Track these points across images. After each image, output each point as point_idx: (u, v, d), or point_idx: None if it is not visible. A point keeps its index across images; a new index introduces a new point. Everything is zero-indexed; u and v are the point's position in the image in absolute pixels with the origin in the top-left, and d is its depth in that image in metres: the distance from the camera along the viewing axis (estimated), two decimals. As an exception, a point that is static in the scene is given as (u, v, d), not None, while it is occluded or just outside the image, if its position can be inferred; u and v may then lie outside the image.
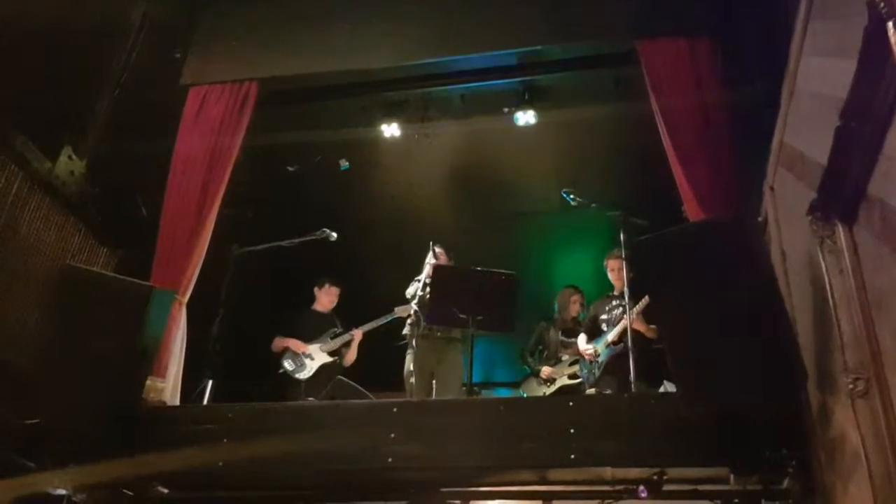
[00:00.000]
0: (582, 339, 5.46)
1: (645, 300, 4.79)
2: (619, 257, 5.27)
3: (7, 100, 4.26)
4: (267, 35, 5.70)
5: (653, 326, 4.89)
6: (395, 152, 6.46)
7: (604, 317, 5.41)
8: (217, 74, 5.57)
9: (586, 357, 5.33)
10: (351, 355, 5.82)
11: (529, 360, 5.82)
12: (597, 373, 5.21)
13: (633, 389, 4.37)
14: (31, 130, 4.47)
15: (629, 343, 4.56)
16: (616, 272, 5.41)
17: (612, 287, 5.49)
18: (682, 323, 3.18)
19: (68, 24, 4.67)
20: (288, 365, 5.64)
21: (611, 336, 5.19)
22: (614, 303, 5.39)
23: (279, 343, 5.76)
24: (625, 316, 4.93)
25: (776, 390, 3.08)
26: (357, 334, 5.77)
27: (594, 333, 5.40)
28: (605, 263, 5.51)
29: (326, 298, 6.05)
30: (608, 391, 5.02)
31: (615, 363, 5.10)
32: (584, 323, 5.63)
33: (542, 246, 7.33)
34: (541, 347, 5.86)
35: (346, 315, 6.06)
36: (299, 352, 5.67)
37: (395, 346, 5.59)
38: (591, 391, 5.16)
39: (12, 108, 4.31)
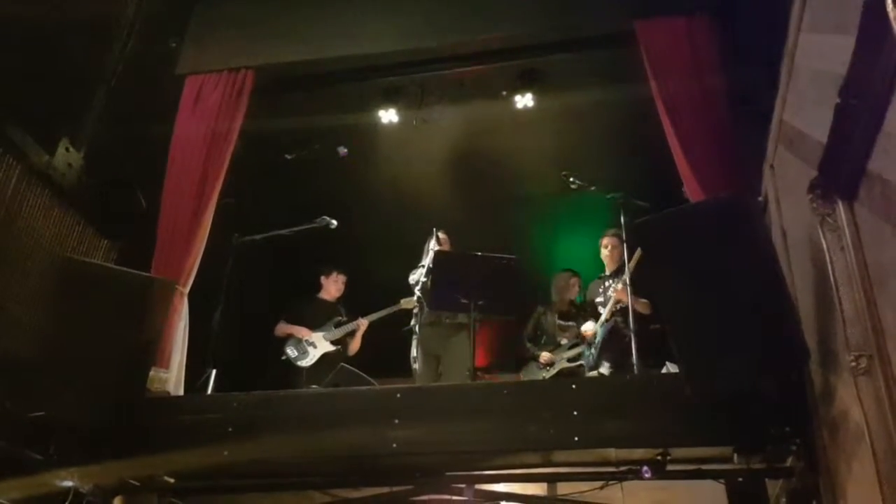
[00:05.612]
0: (589, 324, 5.48)
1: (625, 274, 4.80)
2: (616, 235, 5.27)
3: (3, 93, 4.24)
4: (263, 23, 5.68)
5: (643, 301, 4.89)
6: (393, 138, 6.44)
7: (599, 299, 5.43)
8: (213, 63, 5.56)
9: (587, 337, 5.34)
10: (355, 344, 5.82)
11: (528, 345, 5.82)
12: (595, 354, 5.23)
13: (634, 368, 4.39)
14: (27, 123, 4.45)
15: (630, 323, 4.57)
16: (609, 250, 5.42)
17: (604, 268, 5.50)
18: (683, 303, 3.17)
19: (64, 16, 4.64)
20: (290, 352, 5.64)
21: (604, 315, 5.21)
22: (607, 283, 5.40)
23: (283, 328, 5.75)
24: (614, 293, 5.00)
25: (778, 369, 3.09)
26: (362, 324, 5.77)
27: (595, 317, 5.41)
28: (600, 241, 5.52)
29: (333, 287, 6.04)
30: (603, 370, 5.03)
31: (609, 341, 5.12)
32: (586, 308, 5.63)
33: (543, 229, 7.32)
34: (539, 332, 5.86)
35: (346, 302, 6.06)
36: (303, 339, 5.67)
37: (399, 333, 5.60)
38: (594, 374, 5.17)
39: (8, 101, 4.28)
